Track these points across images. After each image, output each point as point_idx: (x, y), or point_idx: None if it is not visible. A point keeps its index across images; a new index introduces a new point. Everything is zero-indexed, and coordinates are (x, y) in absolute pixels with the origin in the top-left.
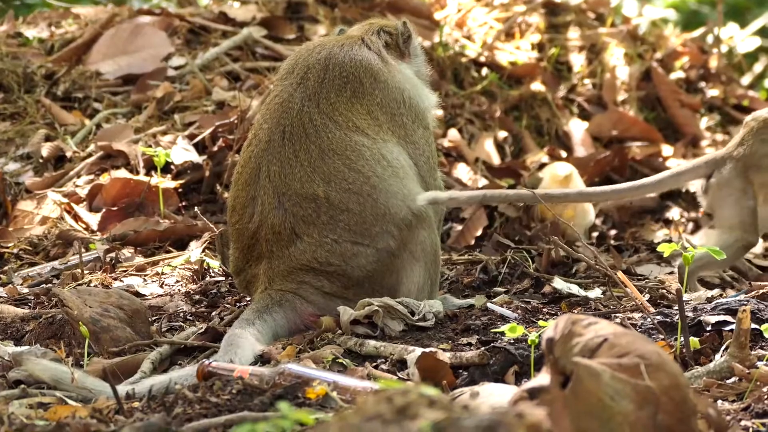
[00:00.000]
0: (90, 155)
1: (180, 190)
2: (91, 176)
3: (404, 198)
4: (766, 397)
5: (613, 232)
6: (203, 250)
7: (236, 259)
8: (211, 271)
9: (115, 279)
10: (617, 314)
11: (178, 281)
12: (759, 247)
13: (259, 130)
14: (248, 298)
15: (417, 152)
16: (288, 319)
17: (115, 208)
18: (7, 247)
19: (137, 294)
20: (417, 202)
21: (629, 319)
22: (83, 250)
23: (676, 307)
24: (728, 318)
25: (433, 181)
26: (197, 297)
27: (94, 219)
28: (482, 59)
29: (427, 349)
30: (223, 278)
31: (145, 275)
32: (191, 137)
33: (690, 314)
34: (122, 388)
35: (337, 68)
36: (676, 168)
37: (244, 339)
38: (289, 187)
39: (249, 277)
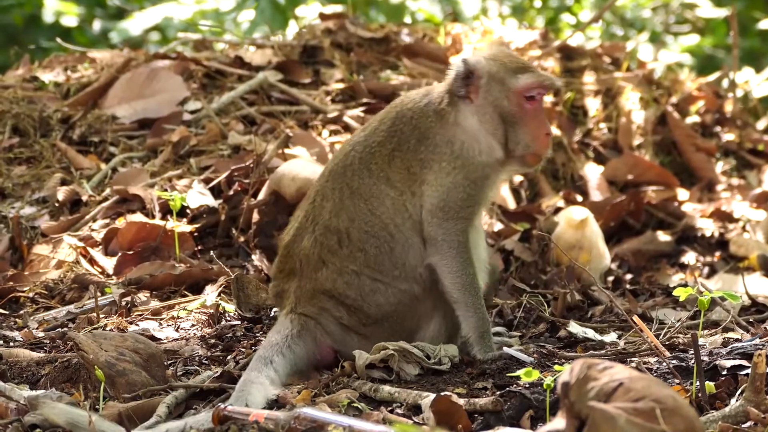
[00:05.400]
0: (106, 199)
1: (196, 234)
2: (107, 220)
3: (422, 253)
4: None
5: (628, 276)
6: (219, 294)
7: (275, 264)
8: (226, 315)
9: (131, 323)
10: (633, 358)
11: (193, 325)
12: None
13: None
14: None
15: (434, 194)
16: (308, 350)
17: (130, 252)
18: (23, 291)
19: (153, 338)
20: None
21: (645, 363)
22: (99, 294)
23: (692, 352)
24: (744, 362)
25: (434, 226)
26: (213, 341)
27: (109, 263)
28: None
29: (442, 393)
30: (239, 322)
31: (161, 319)
32: (207, 181)
33: (705, 358)
34: None
35: (388, 121)
36: None
37: (258, 384)
38: (321, 216)
39: (280, 290)
